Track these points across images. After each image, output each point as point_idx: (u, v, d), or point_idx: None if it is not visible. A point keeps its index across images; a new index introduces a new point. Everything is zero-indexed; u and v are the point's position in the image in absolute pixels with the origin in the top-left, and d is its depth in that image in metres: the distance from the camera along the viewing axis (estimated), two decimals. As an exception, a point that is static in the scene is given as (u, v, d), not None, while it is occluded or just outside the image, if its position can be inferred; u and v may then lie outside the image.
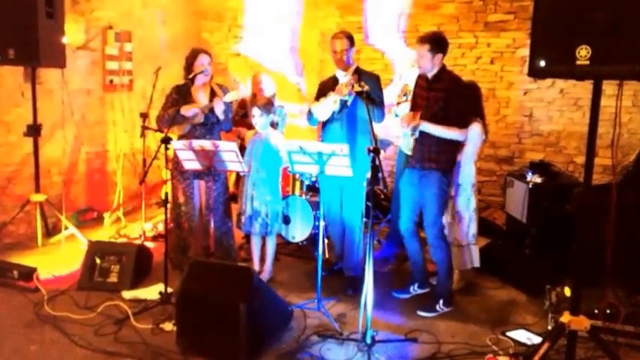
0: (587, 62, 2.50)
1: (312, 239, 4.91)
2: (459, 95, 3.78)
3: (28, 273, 4.06)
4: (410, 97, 4.17)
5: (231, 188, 4.90)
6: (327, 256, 4.80)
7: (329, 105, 4.03)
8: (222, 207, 4.43)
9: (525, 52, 5.82)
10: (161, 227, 5.33)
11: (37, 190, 4.94)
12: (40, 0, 4.45)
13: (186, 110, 4.18)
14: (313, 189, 5.16)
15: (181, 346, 3.24)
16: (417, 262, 4.15)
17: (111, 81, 6.05)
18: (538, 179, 4.52)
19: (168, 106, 4.26)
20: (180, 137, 4.30)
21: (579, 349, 3.06)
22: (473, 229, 4.20)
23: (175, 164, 4.28)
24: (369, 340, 3.21)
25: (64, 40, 4.78)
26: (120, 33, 6.06)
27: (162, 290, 3.81)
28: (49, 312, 3.70)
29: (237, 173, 4.64)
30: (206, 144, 3.81)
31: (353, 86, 3.83)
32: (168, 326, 3.50)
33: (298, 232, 5.01)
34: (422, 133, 3.76)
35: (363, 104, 3.77)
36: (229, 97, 4.27)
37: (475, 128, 4.08)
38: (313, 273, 3.99)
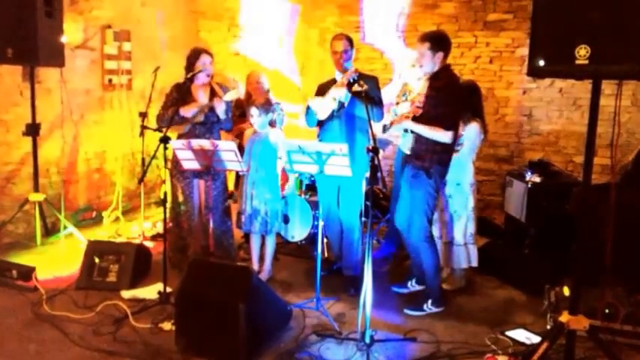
0: (587, 62, 2.50)
1: (311, 239, 4.92)
2: (449, 95, 3.69)
3: (27, 272, 4.05)
4: (410, 97, 4.17)
5: (231, 188, 4.90)
6: (326, 255, 4.80)
7: (328, 102, 4.02)
8: (222, 206, 4.43)
9: (524, 51, 5.83)
10: (160, 227, 5.33)
11: (36, 189, 4.94)
12: (39, -1, 4.45)
13: (186, 110, 4.18)
14: (312, 188, 5.16)
15: (180, 346, 3.24)
16: (416, 258, 4.14)
17: (110, 80, 6.04)
18: (537, 179, 4.52)
19: (169, 105, 4.26)
20: (180, 136, 4.29)
21: (578, 349, 3.06)
22: (471, 228, 4.20)
23: (175, 163, 4.27)
24: (368, 340, 3.21)
25: (63, 39, 4.77)
26: (119, 32, 6.05)
27: (161, 290, 3.80)
28: (48, 311, 3.69)
29: (237, 173, 4.64)
30: (205, 143, 3.80)
31: (354, 80, 3.83)
32: (167, 326, 3.49)
33: (297, 232, 5.01)
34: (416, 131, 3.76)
35: (361, 103, 3.77)
36: (229, 95, 4.27)
37: (474, 127, 4.08)
38: (312, 272, 3.99)
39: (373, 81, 4.12)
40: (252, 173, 4.22)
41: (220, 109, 4.23)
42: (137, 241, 5.02)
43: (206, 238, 4.47)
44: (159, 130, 4.43)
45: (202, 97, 4.34)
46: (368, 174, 3.48)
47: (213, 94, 4.34)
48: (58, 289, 4.04)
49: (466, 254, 4.23)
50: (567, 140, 6.01)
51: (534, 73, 2.71)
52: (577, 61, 2.52)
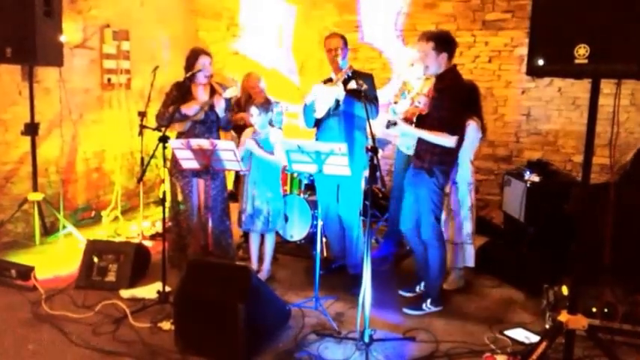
0: (586, 61, 2.50)
1: (311, 238, 4.92)
2: (452, 98, 3.66)
3: (26, 272, 4.05)
4: (409, 96, 4.17)
5: (230, 187, 4.90)
6: (325, 254, 4.80)
7: (324, 95, 4.03)
8: (221, 206, 4.42)
9: (523, 50, 5.84)
10: (159, 226, 5.33)
11: (35, 188, 4.94)
12: (38, -2, 4.44)
13: (187, 108, 4.19)
14: (311, 188, 5.16)
15: (179, 345, 3.24)
16: (423, 263, 4.10)
17: (109, 80, 6.04)
18: (536, 178, 4.52)
19: (169, 104, 4.25)
20: (179, 135, 4.29)
21: (577, 348, 3.06)
22: (468, 227, 4.20)
23: (174, 163, 4.27)
24: (367, 339, 3.21)
25: (62, 38, 4.77)
26: (117, 32, 6.04)
27: (161, 289, 3.80)
28: (47, 311, 3.69)
29: (237, 172, 4.64)
30: (204, 143, 3.80)
31: (349, 77, 3.83)
32: (167, 325, 3.49)
33: (296, 231, 5.01)
34: None
35: (358, 102, 3.78)
36: (229, 92, 4.29)
37: (472, 126, 4.08)
38: (311, 272, 3.99)
39: (369, 78, 4.13)
40: (254, 172, 4.22)
41: (220, 107, 4.24)
42: (136, 241, 5.01)
43: (205, 238, 4.47)
44: (158, 129, 4.43)
45: (202, 94, 4.34)
46: (367, 173, 3.48)
47: (213, 93, 4.34)
48: (57, 289, 4.04)
49: (462, 254, 4.23)
50: (566, 140, 6.02)
51: (533, 72, 2.71)
52: (576, 61, 2.52)
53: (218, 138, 4.32)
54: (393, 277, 4.53)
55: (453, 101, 3.68)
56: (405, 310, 3.88)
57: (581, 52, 2.50)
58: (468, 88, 4.02)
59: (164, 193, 3.84)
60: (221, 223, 4.44)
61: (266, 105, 4.23)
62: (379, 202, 5.79)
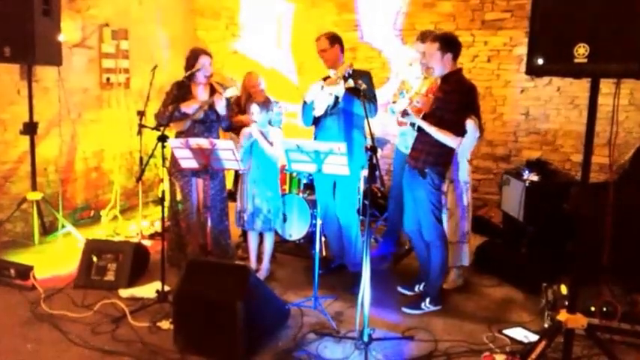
0: (585, 60, 2.50)
1: (310, 237, 4.92)
2: (455, 101, 3.67)
3: (25, 271, 4.04)
4: (407, 95, 4.17)
5: (229, 186, 4.89)
6: (324, 254, 4.80)
7: (325, 95, 4.04)
8: (220, 205, 4.42)
9: (522, 50, 5.84)
10: (158, 225, 5.33)
11: (34, 188, 4.93)
12: (37, -2, 4.44)
13: (187, 106, 4.18)
14: (310, 187, 5.16)
15: (178, 345, 3.24)
16: (425, 264, 4.08)
17: (107, 79, 6.03)
18: (535, 177, 4.52)
19: (169, 103, 4.25)
20: (179, 134, 4.29)
21: (576, 347, 3.07)
22: (464, 227, 4.20)
23: (173, 162, 4.27)
24: (366, 338, 3.22)
25: (61, 37, 4.77)
26: (116, 31, 6.04)
27: (160, 288, 3.80)
28: (46, 310, 3.69)
29: (236, 172, 4.64)
30: (203, 142, 3.80)
31: (348, 75, 3.83)
32: (166, 324, 3.49)
33: (295, 230, 5.01)
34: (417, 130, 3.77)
35: (357, 100, 3.78)
36: (229, 92, 4.28)
37: (469, 125, 4.08)
38: (310, 271, 3.99)
39: (366, 76, 4.14)
40: (254, 171, 4.22)
41: (220, 106, 4.23)
42: (135, 240, 5.01)
43: (204, 237, 4.46)
44: (157, 128, 4.43)
45: (202, 93, 4.34)
46: (365, 172, 3.48)
47: (213, 92, 4.34)
48: (56, 288, 4.03)
49: (458, 253, 4.23)
50: (565, 139, 6.02)
51: (533, 71, 2.71)
52: (576, 60, 2.52)
53: (217, 138, 4.32)
54: (392, 276, 4.54)
55: (460, 104, 3.70)
56: (404, 310, 3.89)
57: (581, 51, 2.50)
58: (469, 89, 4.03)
59: (163, 192, 3.84)
60: (220, 223, 4.43)
61: (266, 103, 4.24)
62: (378, 202, 5.79)
